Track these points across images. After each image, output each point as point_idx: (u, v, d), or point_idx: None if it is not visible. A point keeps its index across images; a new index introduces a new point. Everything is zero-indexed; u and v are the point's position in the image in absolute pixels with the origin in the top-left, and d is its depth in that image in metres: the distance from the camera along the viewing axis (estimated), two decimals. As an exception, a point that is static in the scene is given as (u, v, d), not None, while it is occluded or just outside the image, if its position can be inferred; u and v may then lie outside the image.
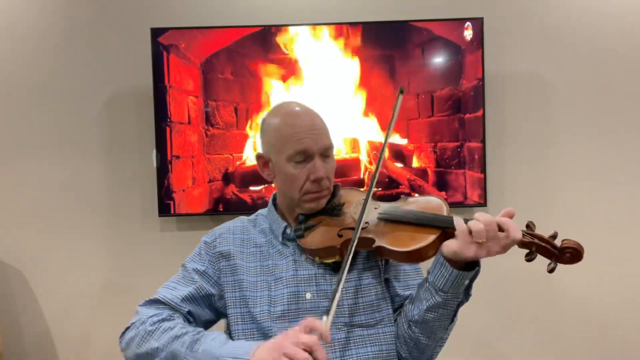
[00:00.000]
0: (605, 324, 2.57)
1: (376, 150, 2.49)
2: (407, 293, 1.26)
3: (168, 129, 2.46)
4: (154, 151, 2.47)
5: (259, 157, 1.29)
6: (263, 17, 2.51)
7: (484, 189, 2.48)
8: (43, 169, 2.56)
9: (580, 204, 2.58)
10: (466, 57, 2.46)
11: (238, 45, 2.46)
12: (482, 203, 2.49)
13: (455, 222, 1.08)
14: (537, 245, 1.06)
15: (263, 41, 2.46)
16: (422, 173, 2.50)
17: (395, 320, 1.24)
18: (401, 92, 1.23)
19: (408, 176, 2.50)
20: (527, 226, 1.10)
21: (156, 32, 2.44)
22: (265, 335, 1.18)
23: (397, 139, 2.49)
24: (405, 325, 1.19)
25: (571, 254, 1.05)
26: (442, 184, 2.50)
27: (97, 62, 2.55)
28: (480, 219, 1.07)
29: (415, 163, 2.50)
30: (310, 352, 0.95)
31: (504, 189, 2.57)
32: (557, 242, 1.07)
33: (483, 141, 2.47)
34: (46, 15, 2.55)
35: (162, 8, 2.55)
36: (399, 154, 2.49)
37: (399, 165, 2.50)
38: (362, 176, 2.49)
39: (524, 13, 2.56)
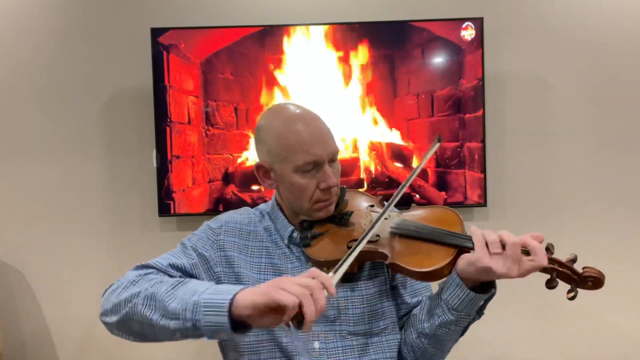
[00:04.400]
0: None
1: (375, 150, 2.49)
2: (414, 300, 1.24)
3: (168, 129, 2.46)
4: (154, 151, 2.47)
5: (259, 167, 1.21)
6: (263, 17, 2.51)
7: (484, 189, 2.48)
8: (43, 169, 2.56)
9: (580, 204, 2.58)
10: (466, 57, 2.46)
11: (238, 45, 2.46)
12: (482, 203, 2.49)
13: (471, 233, 1.05)
14: (557, 271, 1.03)
15: (263, 41, 2.46)
16: (422, 173, 2.50)
17: (402, 327, 1.23)
18: (439, 140, 1.19)
19: (408, 176, 2.50)
20: (547, 249, 1.05)
21: (156, 32, 2.44)
22: (269, 332, 1.15)
23: (397, 139, 2.49)
24: (414, 335, 1.18)
25: (593, 282, 1.03)
26: (442, 184, 2.50)
27: (97, 62, 2.55)
28: (501, 236, 1.02)
29: (415, 163, 2.50)
30: (310, 293, 0.86)
31: (504, 189, 2.57)
32: (578, 267, 1.04)
33: (483, 141, 2.47)
34: (46, 15, 2.55)
35: (162, 8, 2.55)
36: (399, 154, 2.49)
37: (399, 165, 2.50)
38: (361, 176, 2.49)
39: (524, 13, 2.56)
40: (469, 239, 1.06)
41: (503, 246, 1.01)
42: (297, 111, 1.19)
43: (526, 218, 2.57)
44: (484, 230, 1.04)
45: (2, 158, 2.56)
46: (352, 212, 1.22)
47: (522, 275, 1.01)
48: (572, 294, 1.03)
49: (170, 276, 1.12)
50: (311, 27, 2.46)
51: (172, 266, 1.14)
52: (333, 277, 0.95)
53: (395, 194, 1.16)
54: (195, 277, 1.15)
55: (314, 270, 0.93)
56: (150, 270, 1.12)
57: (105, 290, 1.13)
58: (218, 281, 1.17)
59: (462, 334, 1.16)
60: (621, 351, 2.58)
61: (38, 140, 2.56)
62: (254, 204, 2.46)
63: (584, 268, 1.04)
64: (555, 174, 2.58)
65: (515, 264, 1.00)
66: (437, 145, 1.18)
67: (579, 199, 2.58)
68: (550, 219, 2.57)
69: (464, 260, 1.05)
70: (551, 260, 1.04)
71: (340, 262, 0.99)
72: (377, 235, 1.13)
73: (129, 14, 2.55)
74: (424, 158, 1.19)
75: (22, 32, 2.54)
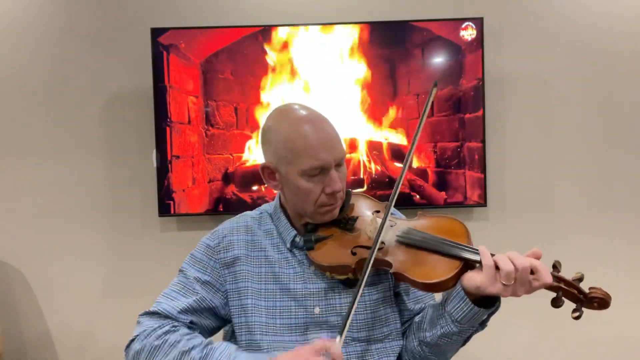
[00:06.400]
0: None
1: (376, 150, 2.49)
2: (417, 307, 1.24)
3: (168, 129, 2.46)
4: (154, 151, 2.47)
5: (264, 167, 1.19)
6: (263, 17, 2.51)
7: (484, 189, 2.48)
8: (43, 169, 2.56)
9: (580, 204, 2.57)
10: (466, 57, 2.46)
11: (238, 45, 2.46)
12: (482, 203, 2.49)
13: (481, 257, 1.03)
14: (563, 290, 1.02)
15: (263, 41, 2.46)
16: (422, 173, 2.50)
17: (404, 333, 1.22)
18: (435, 85, 1.12)
19: (408, 176, 2.50)
20: (554, 266, 1.05)
21: (156, 32, 2.44)
22: (259, 349, 1.14)
23: (397, 139, 2.49)
24: (415, 343, 1.18)
25: (598, 303, 1.02)
26: (442, 184, 2.50)
27: (97, 62, 2.55)
28: (511, 260, 1.00)
29: (415, 163, 2.50)
30: None
31: (504, 189, 2.57)
32: (584, 286, 1.03)
33: (483, 141, 2.47)
34: (46, 15, 2.55)
35: (162, 8, 2.55)
36: (398, 154, 2.49)
37: (399, 165, 2.50)
38: (361, 176, 2.49)
39: (524, 13, 2.56)
40: (475, 251, 1.05)
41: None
42: (305, 113, 1.16)
43: (526, 218, 2.57)
44: (497, 256, 1.02)
45: (2, 157, 2.56)
46: (357, 218, 1.20)
47: (528, 293, 1.02)
48: (577, 314, 1.02)
49: (184, 323, 1.15)
50: (311, 27, 2.46)
51: (182, 312, 1.15)
52: (340, 341, 0.97)
53: (398, 183, 1.14)
54: (207, 309, 1.18)
55: (323, 341, 0.98)
56: (166, 327, 1.12)
57: (128, 346, 1.14)
58: (225, 300, 1.19)
59: (464, 344, 1.16)
60: (627, 356, 2.58)
61: (38, 140, 2.56)
62: (254, 204, 2.47)
63: (590, 288, 1.03)
64: (555, 174, 2.58)
65: (523, 286, 1.00)
66: (435, 90, 1.13)
67: (578, 199, 2.58)
68: (550, 219, 2.57)
69: (471, 282, 1.03)
70: (557, 279, 1.03)
71: (345, 317, 1.01)
72: (383, 243, 1.12)
73: (129, 14, 2.55)
74: (425, 109, 1.13)
75: (22, 33, 2.54)
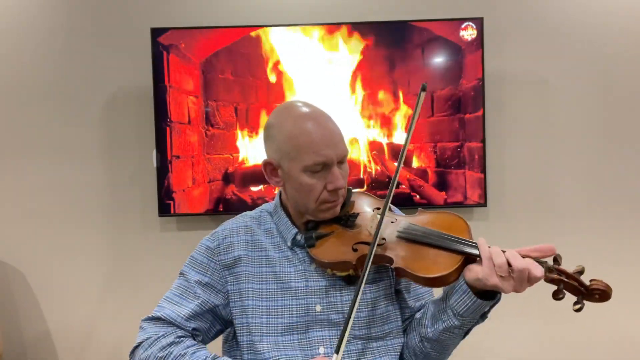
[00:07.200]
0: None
1: (376, 150, 2.49)
2: (418, 304, 1.24)
3: (168, 129, 2.46)
4: (154, 151, 2.47)
5: (267, 164, 1.19)
6: (263, 17, 2.51)
7: (484, 189, 2.48)
8: (43, 168, 2.56)
9: (580, 204, 2.58)
10: (466, 57, 2.46)
11: (238, 45, 2.46)
12: (482, 203, 2.49)
13: (479, 248, 1.04)
14: (564, 283, 1.03)
15: (263, 41, 2.46)
16: (422, 173, 2.50)
17: (405, 330, 1.22)
18: (423, 89, 1.12)
19: (408, 176, 2.50)
20: (555, 259, 1.05)
21: (156, 32, 2.44)
22: (255, 350, 1.14)
23: (397, 139, 2.49)
24: (417, 339, 1.18)
25: (599, 295, 1.02)
26: (442, 184, 2.50)
27: (97, 62, 2.55)
28: (509, 259, 1.01)
29: (415, 163, 2.50)
30: None
31: (504, 189, 2.57)
32: (585, 278, 1.03)
33: (483, 141, 2.47)
34: (46, 15, 2.55)
35: (162, 8, 2.55)
36: (398, 154, 2.49)
37: (399, 165, 2.50)
38: (361, 176, 2.49)
39: (524, 13, 2.56)
40: (476, 245, 1.06)
41: (510, 267, 1.01)
42: (308, 110, 1.18)
43: (526, 218, 2.57)
44: (492, 248, 1.04)
45: (2, 157, 2.56)
46: (358, 214, 1.21)
47: (529, 286, 1.03)
48: (578, 306, 1.02)
49: (187, 331, 1.16)
50: (311, 28, 2.46)
51: (185, 318, 1.16)
52: (337, 358, 0.98)
53: (395, 178, 1.14)
54: (209, 312, 1.19)
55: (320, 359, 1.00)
56: (171, 337, 1.12)
57: (133, 352, 1.14)
58: (226, 300, 1.19)
59: (464, 337, 1.17)
60: (626, 354, 2.58)
61: (38, 140, 2.56)
62: (254, 204, 2.47)
63: (591, 280, 1.03)
64: (555, 173, 2.58)
65: (522, 283, 1.01)
66: (423, 94, 1.11)
67: (578, 198, 2.58)
68: (550, 218, 2.57)
69: (472, 273, 1.04)
70: (558, 272, 1.03)
71: (343, 328, 1.00)
72: (383, 239, 1.12)
73: (129, 14, 2.55)
74: (415, 112, 1.12)
75: (22, 33, 2.54)
